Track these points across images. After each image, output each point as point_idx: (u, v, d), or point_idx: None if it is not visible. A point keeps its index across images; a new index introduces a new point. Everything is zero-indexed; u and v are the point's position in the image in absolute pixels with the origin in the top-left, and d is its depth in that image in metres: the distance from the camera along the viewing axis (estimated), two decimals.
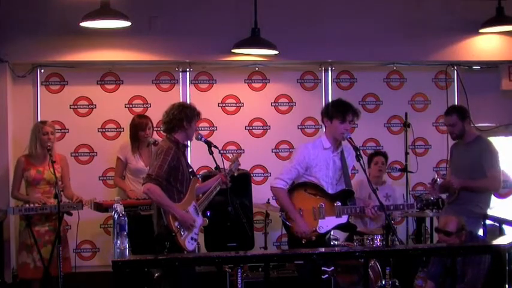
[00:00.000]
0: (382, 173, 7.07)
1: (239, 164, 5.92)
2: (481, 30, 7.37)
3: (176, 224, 5.28)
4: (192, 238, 5.39)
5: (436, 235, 5.74)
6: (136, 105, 7.49)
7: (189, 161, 6.20)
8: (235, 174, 5.81)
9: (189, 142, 5.78)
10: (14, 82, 7.25)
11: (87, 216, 6.73)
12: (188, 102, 7.42)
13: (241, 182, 5.95)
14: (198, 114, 5.57)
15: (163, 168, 5.27)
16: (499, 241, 4.45)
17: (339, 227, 5.64)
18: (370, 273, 5.88)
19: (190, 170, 5.57)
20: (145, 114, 7.15)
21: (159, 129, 7.24)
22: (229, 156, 7.28)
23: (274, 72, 7.69)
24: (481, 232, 6.27)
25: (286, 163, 5.74)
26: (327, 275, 5.88)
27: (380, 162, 6.98)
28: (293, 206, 5.53)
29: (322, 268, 5.68)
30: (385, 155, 7.08)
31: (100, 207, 6.37)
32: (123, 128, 7.37)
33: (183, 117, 5.44)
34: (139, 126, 6.79)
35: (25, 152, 6.51)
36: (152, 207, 5.78)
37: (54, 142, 6.46)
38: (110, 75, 7.48)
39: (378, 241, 6.07)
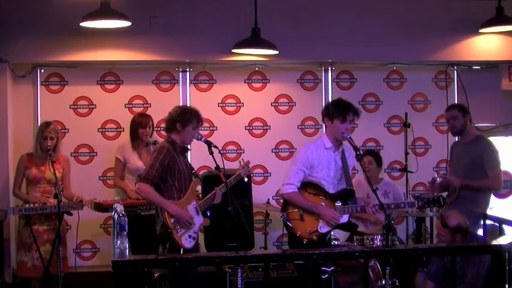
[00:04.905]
0: (371, 173, 6.71)
1: (249, 170, 5.95)
2: (481, 30, 7.37)
3: (172, 220, 5.29)
4: (190, 236, 5.38)
5: (436, 235, 5.73)
6: (136, 105, 7.49)
7: (189, 161, 6.18)
8: (246, 180, 5.83)
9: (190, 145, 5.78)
10: (14, 82, 7.25)
11: (87, 216, 6.74)
12: (188, 102, 7.44)
13: (241, 182, 5.94)
14: (198, 120, 5.52)
15: (155, 167, 5.33)
16: (499, 241, 4.45)
17: (340, 227, 5.65)
18: (370, 273, 5.88)
19: (193, 171, 5.58)
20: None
21: (159, 129, 7.27)
22: (229, 156, 7.36)
23: (274, 72, 7.69)
24: (481, 232, 6.27)
25: (288, 166, 5.68)
26: (327, 275, 5.89)
27: (367, 161, 6.71)
28: (313, 202, 5.52)
29: (322, 268, 5.68)
30: (372, 154, 6.95)
31: (100, 207, 6.38)
32: (123, 128, 7.37)
33: (177, 120, 5.46)
34: (139, 124, 6.80)
35: (29, 150, 6.54)
36: (153, 207, 5.78)
37: (59, 143, 6.49)
38: (110, 75, 7.47)
39: (378, 241, 6.06)
